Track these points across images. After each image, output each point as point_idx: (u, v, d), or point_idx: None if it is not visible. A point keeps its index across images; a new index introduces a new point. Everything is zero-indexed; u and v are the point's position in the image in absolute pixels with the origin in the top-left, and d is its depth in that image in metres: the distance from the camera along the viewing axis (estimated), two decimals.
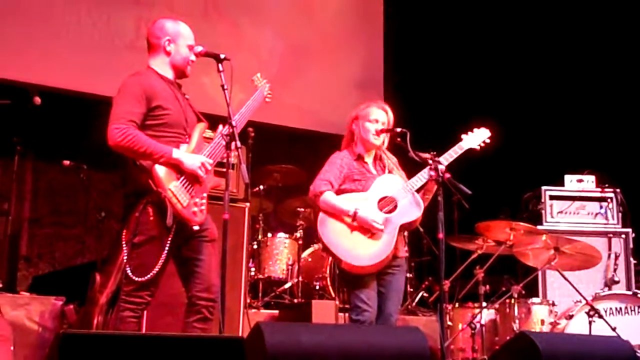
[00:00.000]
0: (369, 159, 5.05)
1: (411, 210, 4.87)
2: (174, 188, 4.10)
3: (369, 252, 4.74)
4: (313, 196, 4.88)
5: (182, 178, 4.16)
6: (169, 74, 4.40)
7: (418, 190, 4.90)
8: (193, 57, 4.44)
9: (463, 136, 5.12)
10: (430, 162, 4.77)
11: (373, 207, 4.83)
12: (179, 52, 4.40)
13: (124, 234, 4.17)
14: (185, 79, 4.52)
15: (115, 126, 4.08)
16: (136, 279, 4.08)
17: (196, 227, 4.18)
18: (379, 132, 4.97)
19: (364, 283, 4.76)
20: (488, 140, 5.21)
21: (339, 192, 4.89)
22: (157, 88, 4.26)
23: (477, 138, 5.16)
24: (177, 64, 4.40)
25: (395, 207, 4.84)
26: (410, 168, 5.00)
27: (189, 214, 4.14)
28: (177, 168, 4.16)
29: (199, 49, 4.40)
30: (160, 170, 4.09)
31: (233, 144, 4.19)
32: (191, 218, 4.15)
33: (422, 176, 4.86)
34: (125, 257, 4.10)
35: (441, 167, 4.76)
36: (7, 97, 6.02)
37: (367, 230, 4.76)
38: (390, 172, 5.03)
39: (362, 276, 4.77)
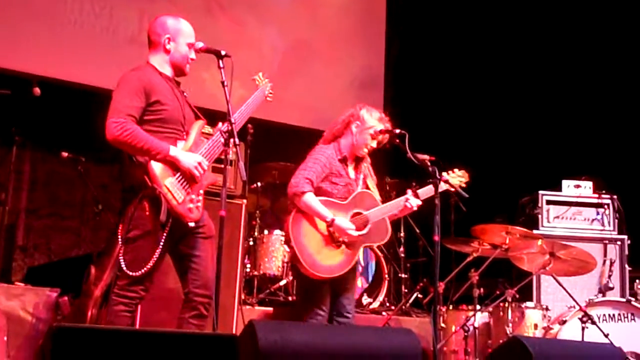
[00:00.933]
0: (350, 163, 5.13)
1: (379, 234, 5.02)
2: (169, 184, 4.10)
3: (329, 263, 4.84)
4: (293, 194, 4.90)
5: (178, 174, 4.17)
6: (168, 71, 4.41)
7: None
8: (193, 56, 4.44)
9: (444, 174, 5.13)
10: (428, 164, 4.79)
11: (347, 221, 4.92)
12: (178, 50, 4.40)
13: (119, 228, 4.18)
14: (186, 75, 4.52)
15: (113, 120, 4.08)
16: (130, 273, 4.09)
17: (191, 224, 4.19)
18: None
19: (319, 287, 4.88)
20: (464, 186, 5.22)
21: (316, 190, 4.93)
22: (155, 83, 4.27)
23: (454, 180, 5.22)
24: (176, 62, 4.41)
25: (365, 225, 4.92)
26: (408, 169, 5.02)
27: (184, 210, 4.14)
28: (174, 165, 4.16)
29: (200, 45, 4.41)
30: (156, 167, 4.09)
31: (231, 140, 4.19)
32: (186, 214, 4.16)
33: (398, 204, 5.00)
34: (120, 251, 4.11)
35: (443, 176, 4.87)
36: (7, 87, 6.01)
37: (334, 241, 4.86)
38: (365, 180, 5.12)
39: (318, 282, 4.87)
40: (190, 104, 4.48)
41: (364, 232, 4.92)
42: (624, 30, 8.47)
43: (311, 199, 4.86)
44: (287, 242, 4.99)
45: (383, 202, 5.17)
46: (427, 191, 4.99)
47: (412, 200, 5.00)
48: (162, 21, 4.43)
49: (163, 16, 4.48)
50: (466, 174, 5.27)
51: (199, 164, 4.23)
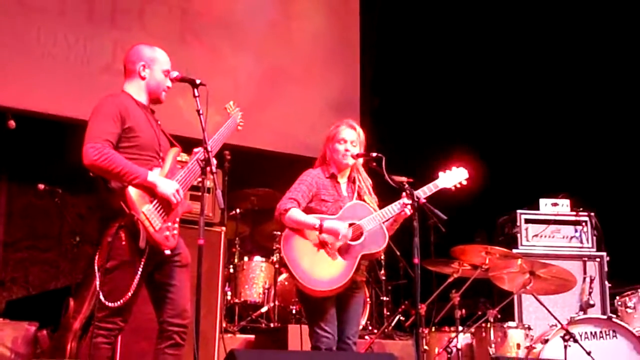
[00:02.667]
0: (342, 180, 5.02)
1: (376, 241, 4.84)
2: (147, 211, 4.07)
3: (327, 276, 4.69)
4: (278, 214, 4.83)
5: (155, 202, 4.14)
6: (143, 99, 4.40)
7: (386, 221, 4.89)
8: (169, 83, 4.44)
9: (440, 173, 5.10)
10: (406, 186, 4.79)
11: (337, 221, 4.80)
12: (154, 78, 4.39)
13: (96, 259, 4.14)
14: (161, 102, 4.51)
15: (90, 145, 4.06)
16: (109, 304, 4.04)
17: (167, 252, 4.15)
18: (354, 157, 4.96)
19: (323, 308, 4.73)
20: (465, 182, 5.18)
21: (305, 210, 4.84)
22: (130, 110, 4.25)
23: (453, 178, 5.13)
24: (151, 90, 4.40)
25: (361, 235, 4.82)
26: (386, 191, 5.01)
27: (161, 238, 4.11)
28: (151, 191, 4.13)
29: (175, 74, 4.40)
30: (134, 193, 4.06)
31: (208, 168, 4.18)
32: (163, 242, 4.12)
33: (393, 209, 4.85)
34: (97, 283, 4.06)
35: (416, 193, 4.78)
36: None
37: (330, 252, 4.73)
38: (361, 196, 4.99)
39: (321, 301, 4.73)
40: (165, 132, 4.46)
41: (360, 241, 4.80)
42: (595, 47, 8.57)
43: (296, 213, 4.78)
44: (283, 264, 4.90)
45: None
46: (421, 193, 4.87)
47: (407, 202, 4.82)
48: (138, 49, 4.44)
49: (139, 45, 4.48)
50: (465, 170, 5.21)
51: (177, 191, 4.20)
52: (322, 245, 4.75)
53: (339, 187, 4.99)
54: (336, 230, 4.72)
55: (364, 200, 4.97)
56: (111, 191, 4.09)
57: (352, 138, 4.96)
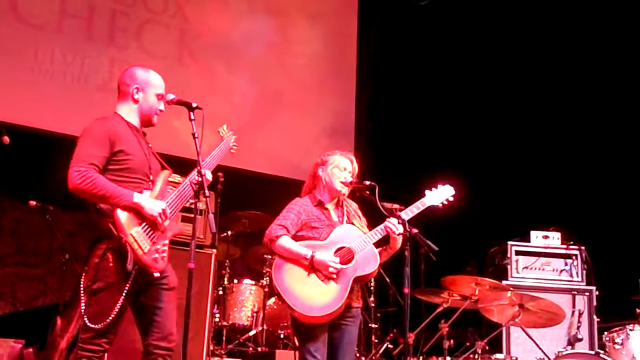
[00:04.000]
0: (330, 206, 5.02)
1: (367, 263, 4.81)
2: (135, 234, 4.05)
3: (321, 302, 4.66)
4: (268, 241, 4.82)
5: (144, 224, 4.12)
6: (135, 121, 4.39)
7: (377, 244, 4.87)
8: (162, 107, 4.43)
9: (427, 192, 5.08)
10: (397, 213, 4.80)
11: (330, 255, 4.79)
12: (146, 101, 4.39)
13: (82, 280, 4.11)
14: (153, 125, 4.51)
15: (75, 169, 4.04)
16: (92, 326, 4.02)
17: (156, 274, 4.13)
18: (347, 184, 4.97)
19: (315, 335, 4.69)
20: (451, 199, 5.16)
21: (295, 238, 4.83)
22: (121, 132, 4.25)
23: (440, 195, 5.10)
24: (144, 113, 4.40)
25: (352, 258, 4.79)
26: (377, 217, 5.02)
27: (149, 260, 4.08)
28: (139, 213, 4.12)
29: (171, 96, 4.40)
30: (122, 215, 4.05)
31: (202, 192, 4.17)
32: (152, 265, 4.10)
33: (379, 231, 4.84)
34: (82, 304, 4.04)
35: (405, 210, 4.79)
36: None
37: (322, 277, 4.71)
38: (349, 219, 4.99)
39: (313, 327, 4.70)
40: (155, 154, 4.46)
41: (351, 264, 4.77)
42: (586, 75, 8.63)
43: (286, 241, 4.77)
44: (277, 295, 4.87)
45: None
46: (409, 212, 4.87)
47: (393, 225, 4.79)
48: (132, 72, 4.43)
49: (133, 67, 4.48)
50: (451, 188, 5.21)
51: (163, 210, 4.18)
52: (313, 270, 4.73)
53: (327, 213, 4.98)
54: (325, 266, 4.70)
55: (353, 224, 4.96)
56: (100, 213, 4.08)
57: (349, 169, 5.01)
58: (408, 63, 9.65)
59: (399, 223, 4.74)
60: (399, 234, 4.79)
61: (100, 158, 4.12)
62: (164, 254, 4.18)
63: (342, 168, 4.98)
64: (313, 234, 4.87)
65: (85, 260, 4.20)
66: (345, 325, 4.81)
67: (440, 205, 5.09)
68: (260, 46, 9.15)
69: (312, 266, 4.72)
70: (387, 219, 4.83)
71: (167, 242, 4.22)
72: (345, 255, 4.80)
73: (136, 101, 4.38)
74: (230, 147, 4.74)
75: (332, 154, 5.07)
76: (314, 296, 4.68)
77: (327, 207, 5.00)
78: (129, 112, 4.38)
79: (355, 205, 5.14)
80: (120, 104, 4.42)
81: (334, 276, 4.70)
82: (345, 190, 5.00)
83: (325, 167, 5.02)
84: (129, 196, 4.09)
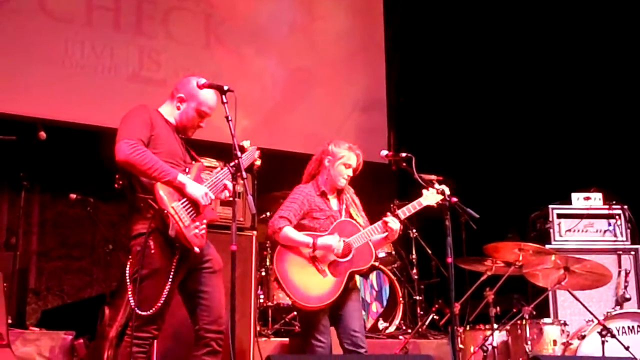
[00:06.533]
0: (331, 196, 5.18)
1: (363, 258, 5.01)
2: (175, 207, 4.12)
3: (317, 293, 4.88)
4: (272, 232, 5.00)
5: (184, 200, 4.18)
6: (172, 121, 4.46)
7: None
8: (202, 124, 4.50)
9: (424, 191, 5.12)
10: (435, 183, 4.84)
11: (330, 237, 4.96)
12: (186, 112, 4.46)
13: (127, 269, 4.17)
14: (189, 137, 4.58)
15: (125, 141, 4.12)
16: (142, 313, 4.07)
17: (197, 250, 4.18)
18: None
19: (316, 320, 4.93)
20: (447, 199, 5.20)
21: (298, 227, 5.01)
22: (157, 121, 4.34)
23: (436, 195, 5.12)
24: (182, 122, 4.48)
25: (349, 252, 4.95)
26: (415, 190, 5.04)
27: (190, 235, 4.14)
28: (180, 190, 4.18)
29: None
30: (163, 189, 4.12)
31: (239, 174, 4.19)
32: (192, 240, 4.15)
33: (377, 228, 5.00)
34: (129, 292, 4.10)
35: (399, 212, 5.01)
36: (12, 132, 6.04)
37: (321, 270, 4.91)
38: (347, 209, 5.16)
39: (314, 313, 4.91)
40: (189, 149, 4.51)
41: (348, 258, 4.95)
42: (629, 42, 8.46)
43: (289, 231, 4.95)
44: (278, 283, 5.03)
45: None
46: (405, 211, 5.01)
47: (391, 223, 4.98)
48: (187, 80, 4.51)
49: (191, 76, 4.52)
50: (446, 188, 5.19)
51: (206, 194, 4.24)
52: (313, 262, 4.93)
53: (329, 203, 5.15)
54: (329, 246, 4.90)
55: (351, 216, 5.14)
56: (139, 191, 4.15)
57: (354, 165, 5.15)
58: (436, 33, 9.54)
59: (438, 191, 4.75)
60: (395, 231, 4.98)
61: (145, 136, 4.21)
62: (203, 232, 4.24)
63: (347, 165, 5.11)
64: (314, 223, 5.05)
65: (128, 249, 4.25)
66: (344, 297, 4.99)
67: (436, 205, 5.13)
68: (287, 26, 9.12)
69: (315, 251, 4.90)
70: (385, 217, 5.01)
71: (205, 221, 4.27)
72: (344, 248, 4.95)
73: (178, 108, 4.46)
74: (254, 159, 4.77)
75: (342, 147, 5.15)
76: (312, 287, 4.89)
77: (328, 197, 5.16)
78: (169, 114, 4.49)
79: (352, 190, 5.30)
80: (166, 104, 4.52)
81: (338, 256, 4.90)
82: (345, 185, 5.18)
83: (333, 159, 5.13)
84: (175, 174, 4.17)
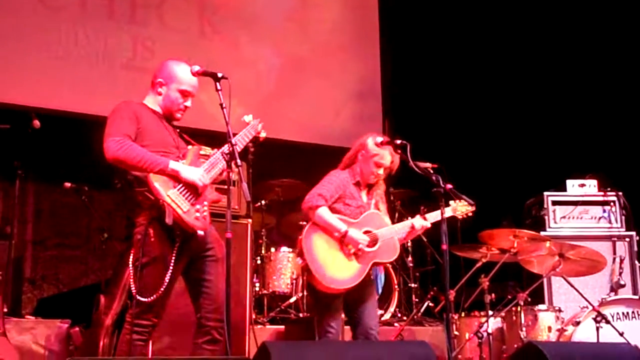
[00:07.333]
0: (363, 188, 5.20)
1: (388, 252, 5.05)
2: (172, 194, 4.13)
3: (340, 276, 4.89)
4: (308, 208, 4.97)
5: (180, 186, 4.19)
6: (159, 110, 4.46)
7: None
8: (187, 103, 4.48)
9: (451, 202, 5.21)
10: (431, 171, 4.83)
11: (361, 234, 5.00)
12: (168, 95, 4.46)
13: (129, 255, 4.19)
14: (177, 120, 4.55)
15: (111, 139, 4.15)
16: (143, 299, 4.09)
17: (201, 233, 4.19)
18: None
19: (331, 304, 4.93)
20: (471, 214, 5.32)
21: (329, 210, 5.00)
22: (143, 114, 4.35)
23: (462, 208, 5.26)
24: (165, 106, 4.48)
25: (376, 243, 4.99)
26: (410, 178, 5.05)
27: (191, 220, 4.15)
28: (174, 178, 4.19)
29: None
30: (156, 179, 4.13)
31: (233, 162, 4.19)
32: (194, 224, 4.17)
33: (405, 227, 5.10)
34: (131, 280, 4.11)
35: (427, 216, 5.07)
36: (6, 121, 6.02)
37: (347, 254, 4.93)
38: (377, 203, 5.19)
39: (332, 298, 4.92)
40: (183, 135, 4.51)
41: (374, 248, 4.97)
42: (625, 26, 8.45)
43: (325, 212, 4.94)
44: (300, 254, 5.02)
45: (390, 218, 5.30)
46: (435, 215, 5.04)
47: (418, 223, 5.07)
48: (163, 64, 4.51)
49: (167, 60, 4.54)
50: (473, 204, 5.25)
51: (202, 175, 4.25)
52: (340, 244, 4.94)
53: (361, 194, 5.16)
54: (356, 242, 4.92)
55: (378, 208, 5.19)
56: (133, 185, 4.16)
57: (387, 165, 5.13)
58: (432, 20, 9.52)
59: (433, 180, 4.76)
60: (418, 232, 5.15)
61: (131, 130, 4.22)
62: (205, 214, 4.25)
63: (379, 165, 5.10)
64: (345, 209, 5.05)
65: (126, 236, 4.27)
66: (364, 286, 5.02)
67: (460, 217, 5.29)
68: (282, 14, 9.08)
69: (343, 240, 4.92)
70: (415, 220, 5.09)
71: (206, 203, 4.27)
72: (371, 239, 4.99)
73: (159, 94, 4.46)
74: (258, 132, 4.74)
75: (375, 142, 5.11)
76: (336, 269, 4.90)
77: (361, 188, 5.17)
78: (153, 103, 4.50)
79: (383, 188, 5.31)
80: (148, 94, 4.52)
81: (360, 253, 4.93)
82: (375, 181, 5.19)
83: (366, 155, 5.12)
84: (165, 162, 4.18)
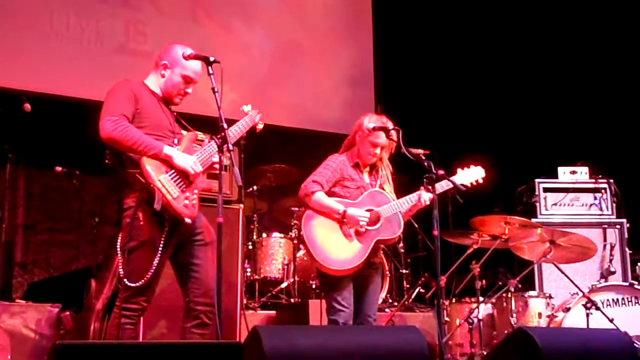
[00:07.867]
0: (364, 169, 5.14)
1: (391, 228, 5.00)
2: (163, 179, 4.12)
3: (342, 257, 4.85)
4: (304, 195, 4.95)
5: (172, 172, 4.18)
6: (159, 92, 4.43)
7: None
8: (188, 90, 4.46)
9: (458, 170, 5.21)
10: (423, 158, 4.82)
11: (361, 211, 4.93)
12: (170, 79, 4.43)
13: (118, 239, 4.17)
14: (176, 104, 4.53)
15: (107, 118, 4.12)
16: (130, 284, 4.08)
17: (188, 221, 4.18)
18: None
19: (339, 284, 4.88)
20: (481, 181, 5.30)
21: (328, 194, 4.97)
22: (142, 94, 4.32)
23: (470, 175, 5.25)
24: (166, 89, 4.45)
25: (378, 221, 4.94)
26: (403, 163, 5.04)
27: (179, 207, 4.14)
28: (167, 163, 4.18)
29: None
30: (149, 163, 4.12)
31: (225, 146, 4.18)
32: (182, 211, 4.16)
33: (410, 199, 5.01)
34: (120, 264, 4.10)
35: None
36: None
37: (348, 234, 4.88)
38: (381, 184, 5.12)
39: (340, 278, 4.87)
40: (180, 119, 4.48)
41: (376, 226, 4.93)
42: (614, 16, 8.44)
43: (321, 197, 4.92)
44: (301, 241, 5.00)
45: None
46: (444, 185, 5.00)
47: (424, 195, 4.98)
48: (170, 47, 4.47)
49: (174, 43, 4.49)
50: (482, 170, 5.25)
51: (195, 163, 4.23)
52: (340, 226, 4.91)
53: (361, 175, 5.12)
54: (356, 220, 4.86)
55: (383, 189, 5.12)
56: (126, 166, 4.16)
57: (384, 144, 5.05)
58: (424, 7, 9.50)
59: (425, 166, 4.74)
60: (425, 203, 4.99)
61: (129, 111, 4.20)
62: (194, 202, 4.25)
63: (375, 144, 5.03)
64: (344, 192, 5.01)
65: (116, 221, 4.25)
66: (367, 275, 5.01)
67: (470, 185, 5.23)
68: None
69: (343, 220, 4.88)
70: (422, 192, 4.96)
71: (196, 191, 4.26)
72: (373, 217, 4.94)
73: (162, 76, 4.43)
74: (255, 122, 4.72)
75: (372, 121, 5.05)
76: (337, 251, 4.86)
77: (362, 170, 5.12)
78: (154, 84, 4.46)
79: (390, 169, 5.23)
80: (150, 74, 4.49)
81: (363, 230, 4.87)
82: (374, 160, 5.11)
83: (362, 135, 5.06)
84: (160, 147, 4.17)
